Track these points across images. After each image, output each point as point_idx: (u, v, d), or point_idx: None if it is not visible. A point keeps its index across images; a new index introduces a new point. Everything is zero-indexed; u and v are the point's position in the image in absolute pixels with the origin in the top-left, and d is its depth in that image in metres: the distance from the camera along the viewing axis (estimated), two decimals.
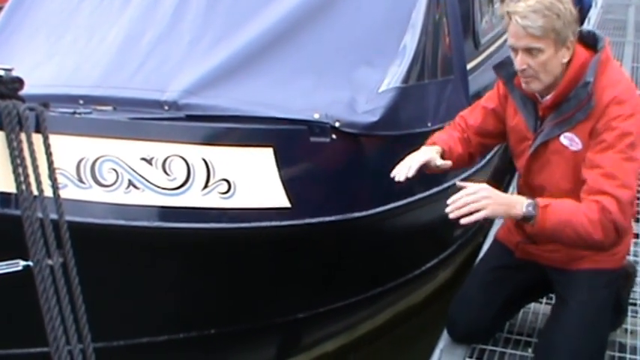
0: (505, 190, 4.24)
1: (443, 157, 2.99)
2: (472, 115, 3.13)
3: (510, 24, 2.63)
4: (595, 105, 2.63)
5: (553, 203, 2.63)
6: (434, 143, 3.04)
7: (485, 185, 2.68)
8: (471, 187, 2.63)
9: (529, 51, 2.61)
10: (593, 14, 9.85)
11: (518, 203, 2.64)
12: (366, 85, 3.51)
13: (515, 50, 2.66)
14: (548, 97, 2.73)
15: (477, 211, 2.57)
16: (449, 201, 2.62)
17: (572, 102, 2.66)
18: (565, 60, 2.66)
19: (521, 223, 2.77)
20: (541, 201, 2.64)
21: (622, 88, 2.66)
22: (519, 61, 2.65)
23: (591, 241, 2.60)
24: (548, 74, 2.65)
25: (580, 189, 2.69)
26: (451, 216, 2.58)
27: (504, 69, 2.90)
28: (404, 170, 2.87)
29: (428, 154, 2.95)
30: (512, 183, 4.35)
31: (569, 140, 2.72)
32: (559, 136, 2.74)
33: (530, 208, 2.60)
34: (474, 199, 2.59)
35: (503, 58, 2.93)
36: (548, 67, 2.63)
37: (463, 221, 2.57)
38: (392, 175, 2.89)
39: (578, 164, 2.70)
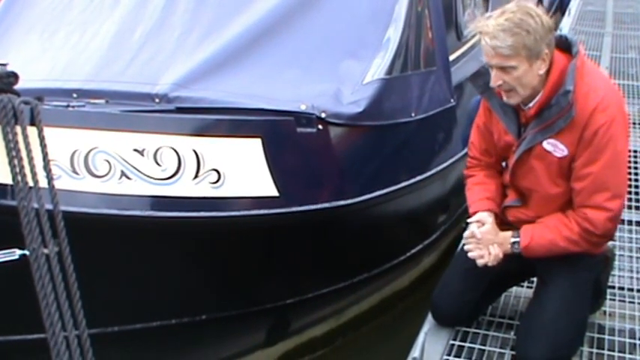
0: None
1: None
2: (475, 142, 3.13)
3: (482, 42, 2.63)
4: (578, 112, 2.63)
5: (534, 237, 2.83)
6: (479, 211, 3.02)
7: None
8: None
9: (502, 68, 2.62)
10: (573, 6, 9.87)
11: (505, 243, 2.89)
12: (351, 76, 3.56)
13: (490, 67, 2.67)
14: (531, 105, 2.73)
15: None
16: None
17: (553, 109, 2.67)
18: (542, 72, 2.65)
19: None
20: (523, 238, 2.84)
21: (603, 94, 2.67)
22: (494, 78, 2.66)
23: (577, 251, 2.82)
24: (525, 87, 2.65)
25: (567, 192, 2.78)
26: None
27: (480, 79, 2.89)
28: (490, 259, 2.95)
29: (492, 226, 2.97)
30: None
31: (553, 146, 2.73)
32: (542, 142, 2.75)
33: (516, 247, 2.88)
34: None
35: (478, 68, 2.95)
36: (523, 81, 2.63)
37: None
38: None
39: (563, 169, 2.75)
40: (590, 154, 2.67)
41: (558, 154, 2.74)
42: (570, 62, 2.68)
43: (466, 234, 2.99)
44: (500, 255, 2.88)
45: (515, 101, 2.74)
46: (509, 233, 2.90)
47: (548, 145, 2.75)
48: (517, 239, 2.86)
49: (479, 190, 3.08)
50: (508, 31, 2.55)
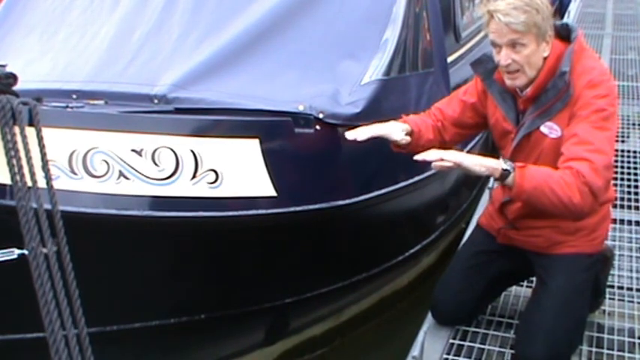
0: (486, 179, 4.34)
1: (409, 136, 3.08)
2: (450, 107, 3.18)
3: (492, 22, 2.69)
4: (572, 92, 2.69)
5: (530, 166, 2.69)
6: (405, 122, 3.12)
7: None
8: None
9: (513, 46, 2.68)
10: (573, 8, 9.92)
11: (493, 160, 2.71)
12: (349, 77, 3.57)
13: (499, 46, 2.72)
14: (528, 89, 2.79)
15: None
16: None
17: (550, 93, 2.73)
18: (545, 54, 2.73)
19: (499, 183, 2.77)
20: (519, 163, 2.70)
21: (596, 73, 2.72)
22: (504, 57, 2.71)
23: (571, 205, 2.59)
24: (532, 68, 2.72)
25: None
26: (417, 157, 2.72)
27: (482, 65, 2.96)
28: (355, 134, 3.00)
29: (389, 128, 3.06)
30: None
31: (549, 129, 2.78)
32: (539, 127, 2.79)
33: (508, 164, 2.66)
34: (446, 154, 2.69)
35: (479, 56, 2.98)
36: (532, 60, 2.70)
37: (435, 165, 2.69)
38: (346, 134, 3.02)
39: (558, 152, 2.74)
40: (577, 119, 2.69)
41: (553, 136, 2.77)
42: (567, 47, 2.75)
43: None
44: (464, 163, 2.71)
45: (521, 82, 2.77)
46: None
47: (544, 128, 2.79)
48: (511, 165, 2.69)
49: (418, 117, 3.19)
50: (520, 9, 2.63)
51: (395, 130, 3.06)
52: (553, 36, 2.75)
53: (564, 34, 2.81)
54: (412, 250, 4.49)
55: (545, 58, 2.74)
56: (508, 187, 2.69)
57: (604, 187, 2.69)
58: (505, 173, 2.66)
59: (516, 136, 2.87)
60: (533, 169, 2.66)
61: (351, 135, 3.02)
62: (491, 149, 4.89)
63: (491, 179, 4.24)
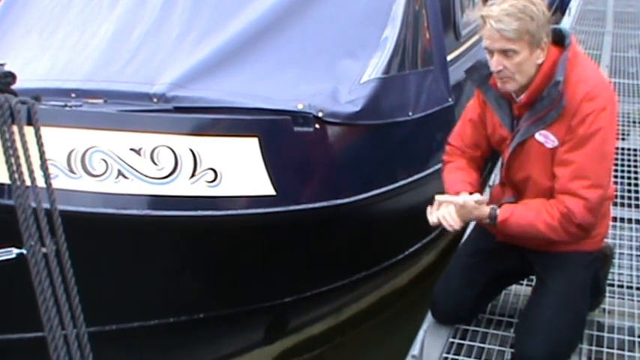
0: (487, 177, 4.34)
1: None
2: (465, 134, 3.11)
3: (485, 27, 2.66)
4: (567, 102, 2.66)
5: (513, 213, 2.79)
6: (470, 192, 2.95)
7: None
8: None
9: (504, 53, 2.65)
10: (574, 5, 9.91)
11: (483, 210, 2.84)
12: (348, 76, 3.57)
13: (491, 52, 2.70)
14: (523, 96, 2.76)
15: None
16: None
17: (545, 101, 2.70)
18: (540, 61, 2.69)
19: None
20: (502, 212, 2.80)
21: (593, 84, 2.69)
22: (495, 63, 2.69)
23: (558, 240, 2.79)
24: (523, 75, 2.69)
25: None
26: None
27: (476, 72, 2.93)
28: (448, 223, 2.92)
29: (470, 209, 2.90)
30: (495, 171, 4.41)
31: (544, 137, 2.76)
32: (534, 134, 2.77)
33: (494, 214, 2.80)
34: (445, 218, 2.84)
35: (473, 62, 2.97)
36: (523, 67, 2.67)
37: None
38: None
39: (555, 161, 2.75)
40: (575, 141, 2.68)
41: (549, 145, 2.76)
42: (562, 53, 2.72)
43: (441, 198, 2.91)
44: (458, 223, 2.82)
45: (511, 88, 2.75)
46: (488, 207, 2.85)
47: (540, 136, 2.77)
48: (496, 210, 2.82)
49: (462, 175, 3.07)
50: (513, 16, 2.59)
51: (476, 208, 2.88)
52: (549, 42, 2.71)
53: (557, 39, 2.77)
54: (412, 249, 4.49)
55: (539, 65, 2.71)
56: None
57: (596, 220, 2.80)
58: (491, 221, 2.82)
59: (511, 142, 2.86)
60: (516, 219, 2.79)
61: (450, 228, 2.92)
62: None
63: (492, 177, 4.27)
